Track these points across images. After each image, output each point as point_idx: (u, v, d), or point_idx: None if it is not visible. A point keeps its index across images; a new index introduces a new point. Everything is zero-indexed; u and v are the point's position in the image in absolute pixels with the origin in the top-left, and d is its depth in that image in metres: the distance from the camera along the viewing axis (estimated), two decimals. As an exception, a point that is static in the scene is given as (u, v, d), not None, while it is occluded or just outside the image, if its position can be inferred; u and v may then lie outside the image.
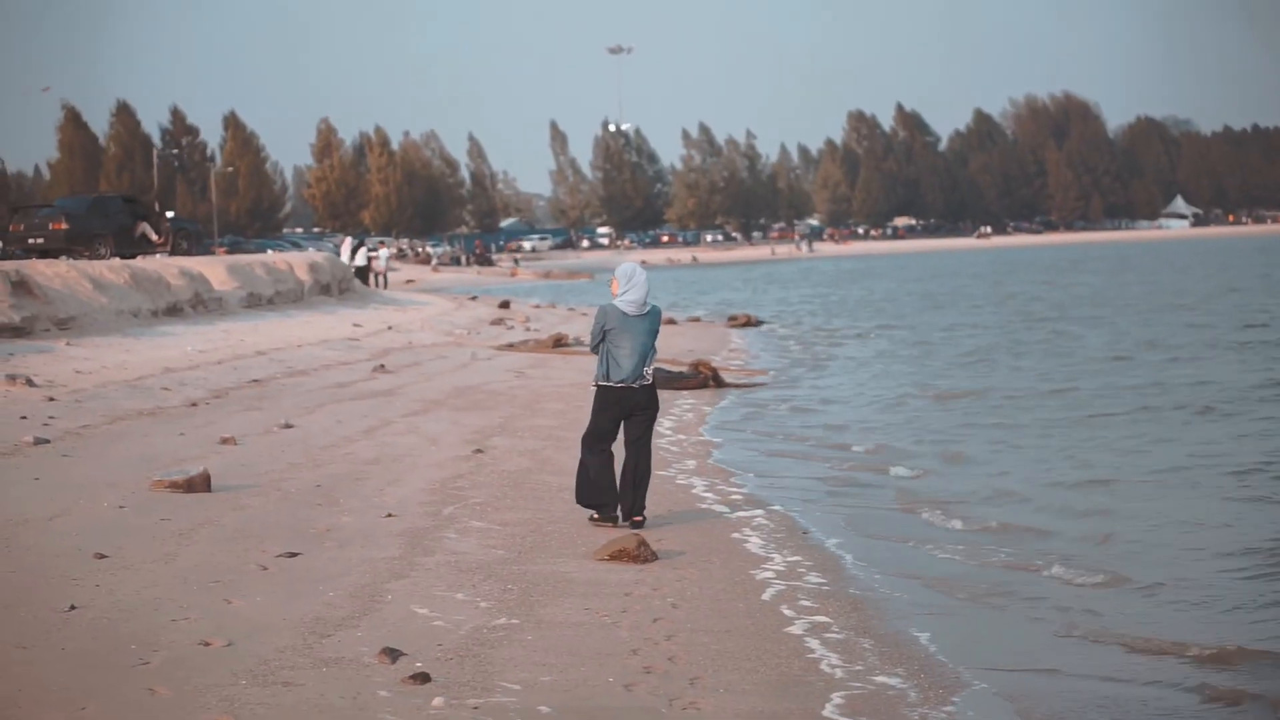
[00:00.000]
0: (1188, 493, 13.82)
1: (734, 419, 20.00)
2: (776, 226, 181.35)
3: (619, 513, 11.69)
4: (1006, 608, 9.76)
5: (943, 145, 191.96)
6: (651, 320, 11.55)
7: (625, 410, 11.53)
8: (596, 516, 11.73)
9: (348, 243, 62.28)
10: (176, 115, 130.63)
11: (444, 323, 38.12)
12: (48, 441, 14.84)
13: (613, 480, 11.65)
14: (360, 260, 55.14)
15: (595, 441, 11.61)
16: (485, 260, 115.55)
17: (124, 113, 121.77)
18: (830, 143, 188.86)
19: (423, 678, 7.42)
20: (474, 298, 54.48)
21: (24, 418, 16.32)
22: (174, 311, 30.09)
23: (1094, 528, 12.23)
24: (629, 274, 11.67)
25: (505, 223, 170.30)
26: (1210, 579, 10.43)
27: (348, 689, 7.25)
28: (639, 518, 11.68)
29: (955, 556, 11.29)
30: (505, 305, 48.14)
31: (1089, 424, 18.70)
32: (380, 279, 56.47)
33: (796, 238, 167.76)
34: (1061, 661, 8.49)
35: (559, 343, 30.75)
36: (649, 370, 11.51)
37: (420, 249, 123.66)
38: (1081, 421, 18.94)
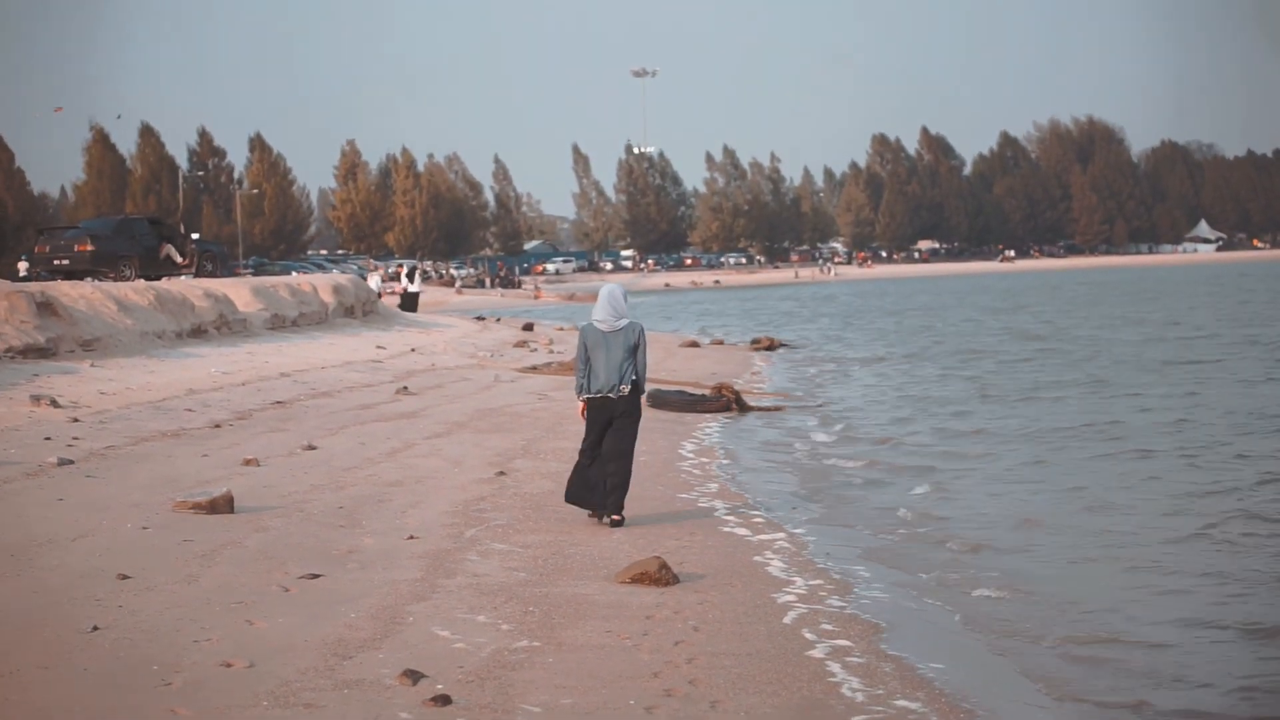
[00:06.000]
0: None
1: (756, 442, 19.97)
2: (799, 250, 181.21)
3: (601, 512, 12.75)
4: (1025, 632, 9.74)
5: (967, 169, 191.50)
6: (626, 336, 12.43)
7: (606, 418, 12.49)
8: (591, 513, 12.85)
9: (376, 270, 61.78)
10: (204, 137, 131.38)
11: (467, 345, 38.14)
12: (71, 462, 14.88)
13: (597, 481, 12.62)
14: (415, 286, 54.39)
15: (585, 447, 12.67)
16: (509, 283, 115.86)
17: (149, 135, 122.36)
18: (854, 166, 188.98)
19: (443, 700, 7.43)
20: (498, 320, 54.53)
21: (48, 439, 16.38)
22: (198, 333, 30.18)
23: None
24: (602, 295, 12.69)
25: (529, 245, 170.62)
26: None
27: (369, 711, 7.26)
28: (617, 516, 12.64)
29: (977, 580, 11.27)
30: (529, 328, 48.14)
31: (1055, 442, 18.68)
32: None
33: (820, 261, 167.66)
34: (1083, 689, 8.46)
35: (582, 365, 30.69)
36: (624, 386, 12.41)
37: (444, 271, 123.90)
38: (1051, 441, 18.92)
